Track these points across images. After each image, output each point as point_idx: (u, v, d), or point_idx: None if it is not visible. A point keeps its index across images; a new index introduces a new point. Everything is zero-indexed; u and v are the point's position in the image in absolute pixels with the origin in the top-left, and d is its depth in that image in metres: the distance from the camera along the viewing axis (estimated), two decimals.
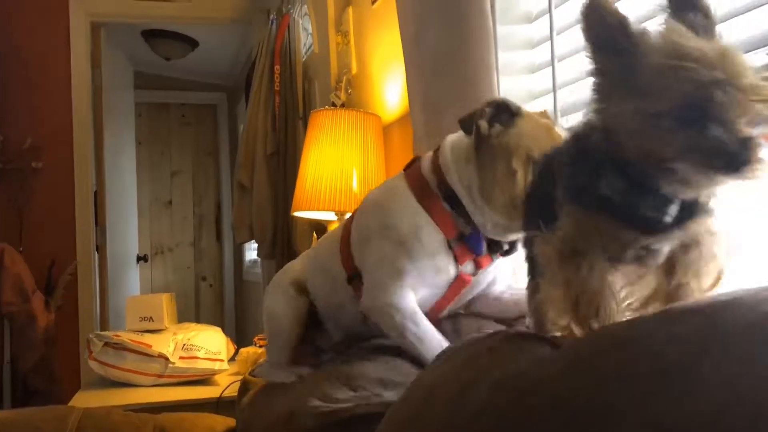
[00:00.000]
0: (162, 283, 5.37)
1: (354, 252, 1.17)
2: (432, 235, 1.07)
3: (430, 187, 1.09)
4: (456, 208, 1.07)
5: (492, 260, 1.11)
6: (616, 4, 0.58)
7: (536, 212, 0.74)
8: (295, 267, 1.34)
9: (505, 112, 1.02)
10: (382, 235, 1.10)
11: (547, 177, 0.72)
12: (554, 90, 1.37)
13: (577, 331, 0.65)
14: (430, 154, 1.14)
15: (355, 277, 1.16)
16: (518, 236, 1.06)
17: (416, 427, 0.70)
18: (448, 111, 1.50)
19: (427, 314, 1.10)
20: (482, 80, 1.38)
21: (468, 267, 1.10)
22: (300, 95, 2.85)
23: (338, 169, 1.98)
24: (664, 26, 0.58)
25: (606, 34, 0.57)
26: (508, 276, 1.21)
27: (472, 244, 1.07)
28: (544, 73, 1.45)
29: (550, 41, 1.38)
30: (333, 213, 2.06)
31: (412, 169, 1.15)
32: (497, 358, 0.68)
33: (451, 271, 1.09)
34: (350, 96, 2.38)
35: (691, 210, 0.60)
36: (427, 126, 1.57)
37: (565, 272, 0.64)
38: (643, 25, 0.59)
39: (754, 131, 0.53)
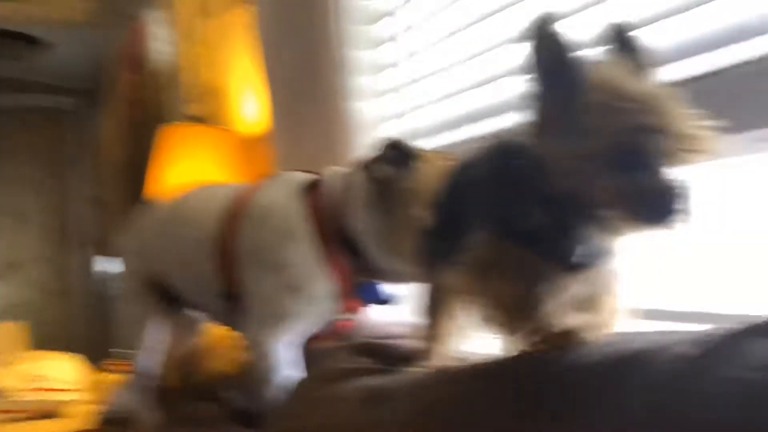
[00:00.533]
0: (14, 299, 4.96)
1: (239, 269, 1.08)
2: (326, 288, 1.04)
3: (331, 231, 1.03)
4: (355, 253, 1.03)
5: (378, 305, 1.11)
6: (558, 25, 0.56)
7: (442, 236, 0.69)
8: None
9: (404, 155, 0.99)
10: (276, 272, 1.03)
11: (455, 198, 0.67)
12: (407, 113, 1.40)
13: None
14: (332, 183, 1.07)
15: (230, 294, 1.10)
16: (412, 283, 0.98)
17: None
18: (307, 133, 1.50)
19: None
20: (336, 104, 1.39)
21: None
22: (154, 105, 2.73)
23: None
24: (605, 63, 0.57)
25: (554, 63, 0.55)
26: None
27: (367, 295, 1.07)
28: (394, 97, 1.47)
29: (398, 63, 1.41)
30: None
31: (314, 198, 1.06)
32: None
33: (334, 314, 1.07)
34: (206, 108, 2.32)
35: (602, 251, 0.59)
36: (288, 145, 1.56)
37: (493, 283, 0.61)
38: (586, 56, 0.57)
39: (681, 180, 0.53)
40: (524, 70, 0.56)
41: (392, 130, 1.48)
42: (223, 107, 2.22)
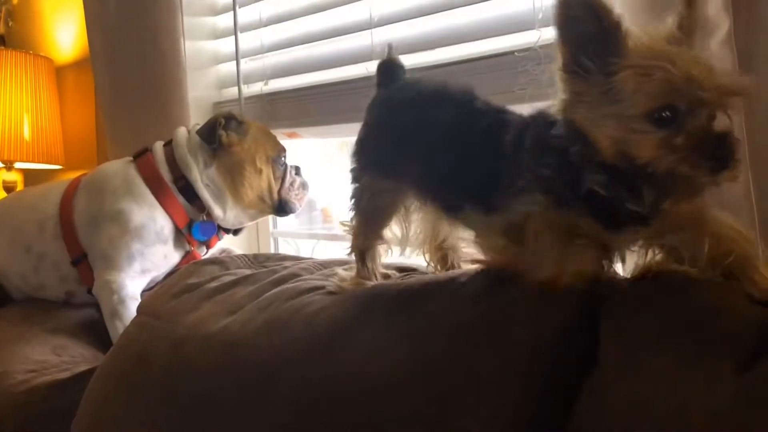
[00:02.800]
0: None
1: (80, 234, 1.22)
2: (165, 226, 1.21)
3: (164, 181, 1.22)
4: (192, 201, 1.22)
5: (219, 239, 1.28)
6: None
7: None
8: None
9: (235, 122, 1.22)
10: (114, 219, 1.18)
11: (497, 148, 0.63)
12: (237, 57, 1.49)
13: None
14: (160, 147, 1.24)
15: (80, 260, 1.22)
16: (252, 222, 1.32)
17: (133, 379, 0.82)
18: (134, 67, 1.53)
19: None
20: (169, 45, 1.44)
21: (200, 247, 1.26)
22: None
23: (4, 115, 1.84)
24: (639, 29, 0.57)
25: (592, 32, 0.55)
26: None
27: (204, 231, 1.23)
28: (227, 41, 1.55)
29: (233, 10, 1.49)
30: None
31: (143, 160, 1.24)
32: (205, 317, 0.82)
33: (180, 255, 1.23)
34: (11, 29, 2.17)
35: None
36: (113, 85, 1.58)
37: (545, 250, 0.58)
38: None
39: (728, 130, 0.54)
40: (557, 41, 0.56)
41: (226, 71, 1.57)
42: (33, 28, 2.10)
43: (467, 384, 0.55)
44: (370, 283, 0.74)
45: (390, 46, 0.81)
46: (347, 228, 0.75)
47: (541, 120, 0.61)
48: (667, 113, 0.53)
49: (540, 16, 1.01)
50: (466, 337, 0.58)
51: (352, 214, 0.74)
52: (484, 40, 1.11)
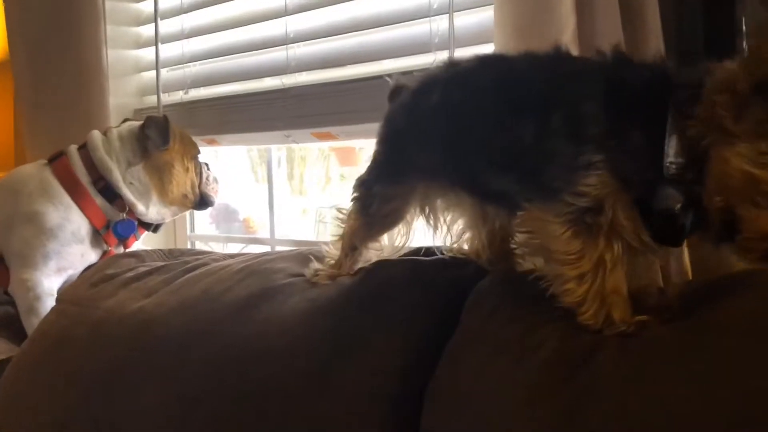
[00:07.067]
0: None
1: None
2: (82, 226, 1.25)
3: (81, 183, 1.26)
4: (112, 201, 1.27)
5: (137, 238, 1.33)
6: None
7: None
8: None
9: (165, 130, 1.29)
10: (30, 220, 1.23)
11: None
12: (157, 67, 1.56)
13: None
14: (75, 150, 1.28)
15: None
16: (173, 217, 1.40)
17: (51, 361, 0.88)
18: (59, 75, 1.57)
19: None
20: (92, 53, 1.50)
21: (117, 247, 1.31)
22: None
23: None
24: None
25: None
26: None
27: (123, 229, 1.28)
28: (149, 50, 1.61)
29: (155, 21, 1.56)
30: None
31: (59, 163, 1.28)
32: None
33: (97, 254, 1.28)
34: None
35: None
36: (33, 89, 1.61)
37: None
38: None
39: None
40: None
41: (147, 79, 1.63)
42: None
43: (352, 343, 0.65)
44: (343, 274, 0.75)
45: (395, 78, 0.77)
46: (342, 218, 0.75)
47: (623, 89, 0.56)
48: None
49: (436, 40, 1.14)
50: (354, 307, 0.69)
51: (355, 215, 0.74)
52: (390, 60, 1.23)
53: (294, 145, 1.59)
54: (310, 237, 1.94)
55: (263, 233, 1.69)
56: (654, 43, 0.77)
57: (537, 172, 0.57)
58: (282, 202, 1.53)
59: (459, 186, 0.67)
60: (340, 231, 0.76)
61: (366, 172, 0.74)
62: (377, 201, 0.71)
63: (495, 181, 0.62)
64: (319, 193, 2.28)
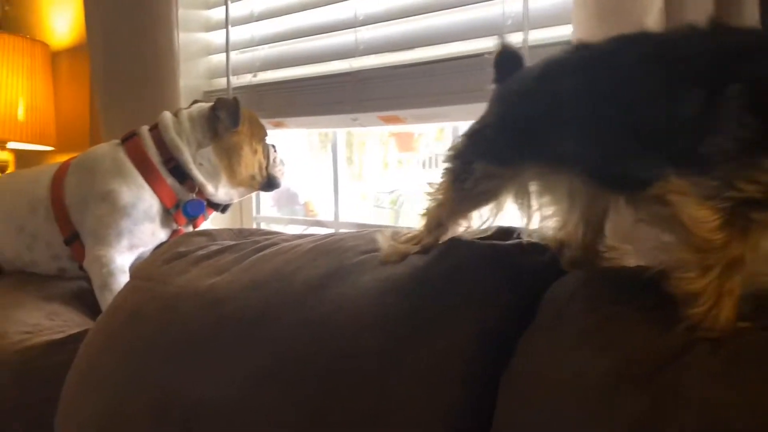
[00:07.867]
0: None
1: (72, 214, 1.30)
2: (153, 205, 1.28)
3: (152, 163, 1.29)
4: (183, 181, 1.30)
5: (206, 218, 1.36)
6: None
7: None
8: None
9: (236, 112, 1.30)
10: (104, 199, 1.26)
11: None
12: (227, 49, 1.58)
13: None
14: (146, 131, 1.31)
15: (72, 239, 1.30)
16: (240, 198, 1.41)
17: (125, 333, 0.90)
18: (132, 58, 1.61)
19: None
20: (163, 36, 1.53)
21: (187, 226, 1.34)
22: None
23: (0, 97, 1.91)
24: None
25: None
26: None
27: (193, 209, 1.31)
28: (219, 33, 1.64)
29: (225, 4, 1.58)
30: None
31: (132, 143, 1.31)
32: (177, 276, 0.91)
33: (167, 233, 1.32)
34: (7, 13, 2.24)
35: None
36: (108, 72, 1.66)
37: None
38: None
39: None
40: None
41: (216, 62, 1.66)
42: (30, 12, 2.17)
43: (426, 325, 0.65)
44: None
45: (502, 39, 0.73)
46: (431, 191, 0.72)
47: None
48: None
49: (509, 22, 1.12)
50: (429, 288, 0.68)
51: (445, 188, 0.70)
52: (459, 42, 1.21)
53: (357, 130, 1.59)
54: (371, 221, 1.94)
55: (324, 217, 1.70)
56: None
57: (694, 150, 0.49)
58: (342, 186, 1.54)
59: (584, 171, 0.61)
60: (427, 206, 0.72)
61: (463, 145, 0.69)
62: (475, 177, 0.67)
63: (639, 163, 0.55)
64: (377, 178, 2.28)
